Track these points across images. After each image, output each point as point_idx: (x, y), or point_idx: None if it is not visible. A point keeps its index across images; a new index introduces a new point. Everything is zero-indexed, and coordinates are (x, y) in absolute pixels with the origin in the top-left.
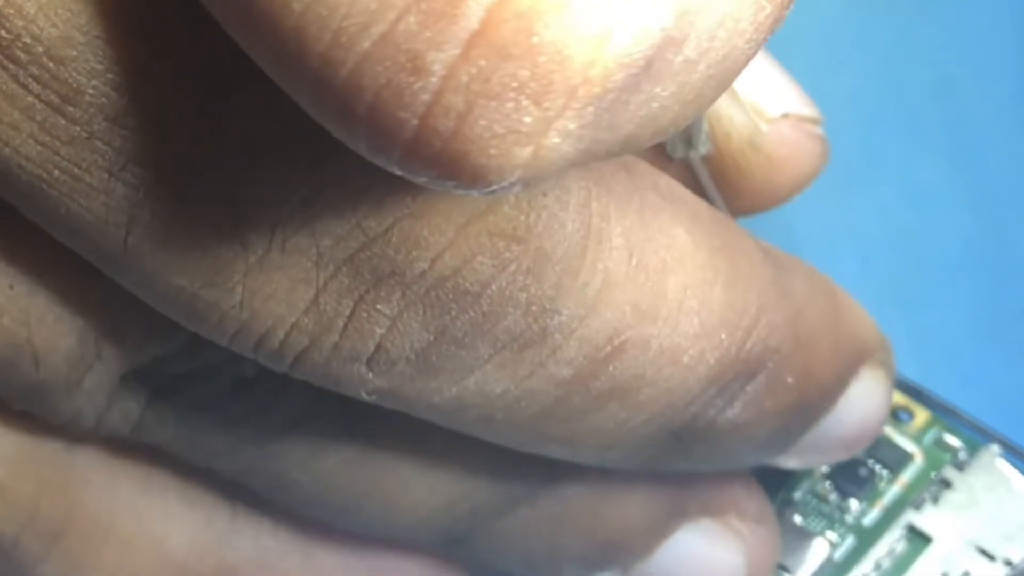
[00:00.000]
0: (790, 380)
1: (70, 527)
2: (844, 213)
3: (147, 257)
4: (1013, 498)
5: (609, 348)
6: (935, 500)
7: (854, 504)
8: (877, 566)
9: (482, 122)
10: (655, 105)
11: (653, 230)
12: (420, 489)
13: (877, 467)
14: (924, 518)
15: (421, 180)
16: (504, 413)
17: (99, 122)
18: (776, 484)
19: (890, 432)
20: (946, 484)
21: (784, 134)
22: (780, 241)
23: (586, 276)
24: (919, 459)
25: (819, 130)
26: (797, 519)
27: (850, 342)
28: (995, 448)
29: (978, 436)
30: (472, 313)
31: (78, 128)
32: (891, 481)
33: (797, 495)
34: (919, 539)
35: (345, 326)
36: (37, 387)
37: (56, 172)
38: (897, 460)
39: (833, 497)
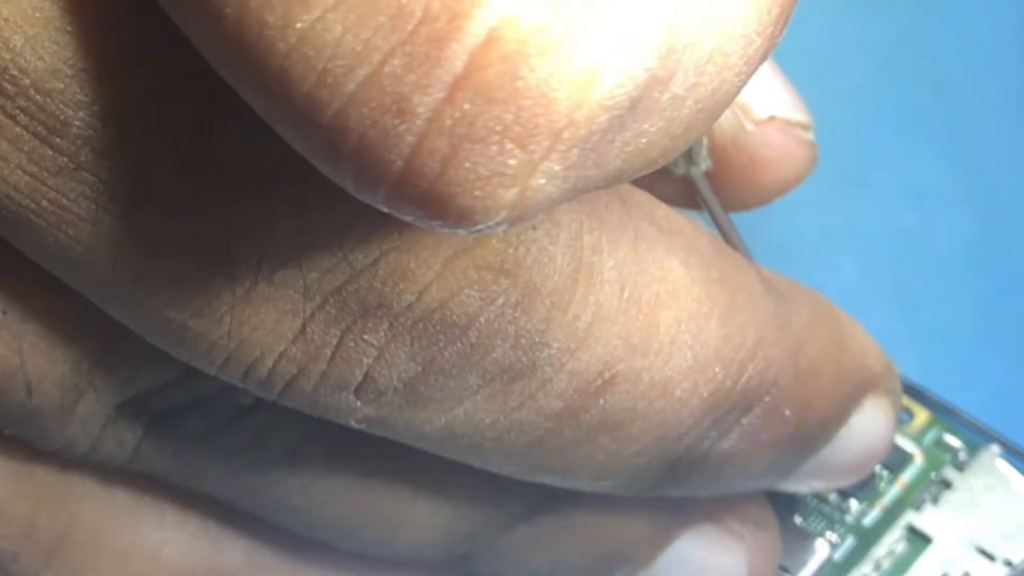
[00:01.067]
0: (788, 413)
1: (68, 541)
2: (844, 213)
3: (134, 288)
4: (1013, 498)
5: (599, 381)
6: (935, 500)
7: (854, 504)
8: (877, 566)
9: (467, 164)
10: (643, 141)
11: (647, 263)
12: (419, 512)
13: (877, 467)
14: (924, 518)
15: (408, 218)
16: (494, 443)
17: (86, 153)
18: None
19: None
20: (946, 484)
21: (769, 137)
22: (780, 241)
23: (576, 309)
24: (919, 459)
25: (808, 135)
26: (797, 519)
27: (853, 373)
28: (995, 448)
29: (978, 436)
30: (460, 345)
31: (65, 159)
32: (891, 481)
33: (797, 495)
34: (919, 539)
35: (333, 356)
36: (30, 414)
37: (44, 202)
38: (897, 460)
39: (833, 497)
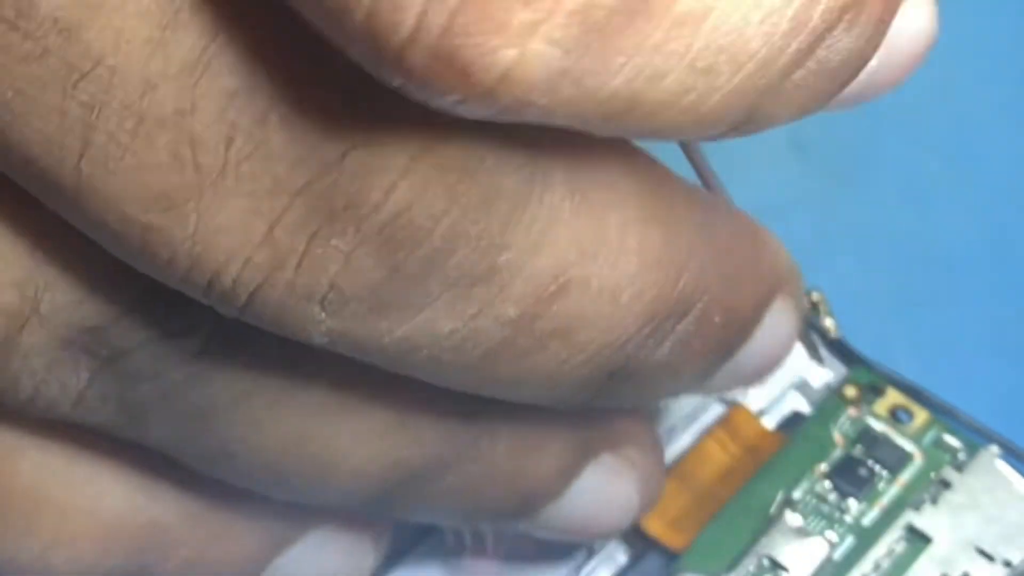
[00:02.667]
0: (717, 319)
1: (6, 502)
2: (843, 213)
3: (100, 184)
4: (1012, 499)
5: (553, 287)
6: (934, 501)
7: (853, 504)
8: (876, 566)
9: (472, 17)
10: (651, 62)
11: (594, 168)
12: (354, 460)
13: (877, 467)
14: (923, 518)
15: (408, 84)
16: (452, 354)
17: (53, 37)
18: (776, 483)
19: (890, 432)
20: (945, 485)
21: None
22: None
23: (533, 211)
24: (919, 459)
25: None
26: (796, 519)
27: (767, 276)
28: (994, 449)
29: (977, 437)
30: (425, 249)
31: (30, 43)
32: (891, 481)
33: (797, 495)
34: (918, 539)
35: (299, 262)
36: None
37: (10, 93)
38: (897, 460)
39: (832, 497)
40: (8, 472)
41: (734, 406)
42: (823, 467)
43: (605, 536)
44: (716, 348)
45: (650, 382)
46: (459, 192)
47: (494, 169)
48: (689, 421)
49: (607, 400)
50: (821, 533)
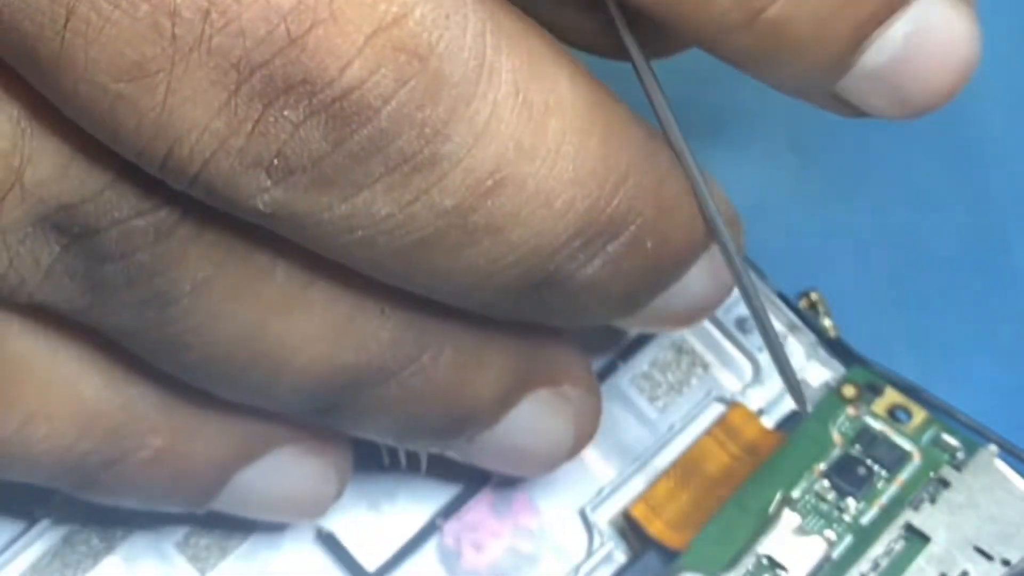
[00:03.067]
0: (649, 245)
1: None
2: (841, 212)
3: (78, 53)
4: (1011, 498)
5: (490, 182)
6: (933, 500)
7: (852, 503)
8: (875, 565)
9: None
10: None
11: (539, 73)
12: (304, 358)
13: (875, 466)
14: (922, 517)
15: None
16: (387, 239)
17: None
18: (774, 483)
19: (888, 432)
20: (944, 484)
21: None
22: (779, 240)
23: (477, 105)
24: (917, 458)
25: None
26: (795, 518)
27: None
28: (993, 448)
29: (976, 436)
30: (370, 128)
31: None
32: (889, 480)
33: (795, 494)
34: (917, 538)
35: (252, 130)
36: None
37: None
38: (895, 459)
39: (831, 496)
40: None
41: (733, 405)
42: (822, 466)
43: (537, 471)
44: (646, 276)
45: (577, 299)
46: (408, 74)
47: (444, 56)
48: (688, 420)
49: (533, 311)
50: (820, 532)
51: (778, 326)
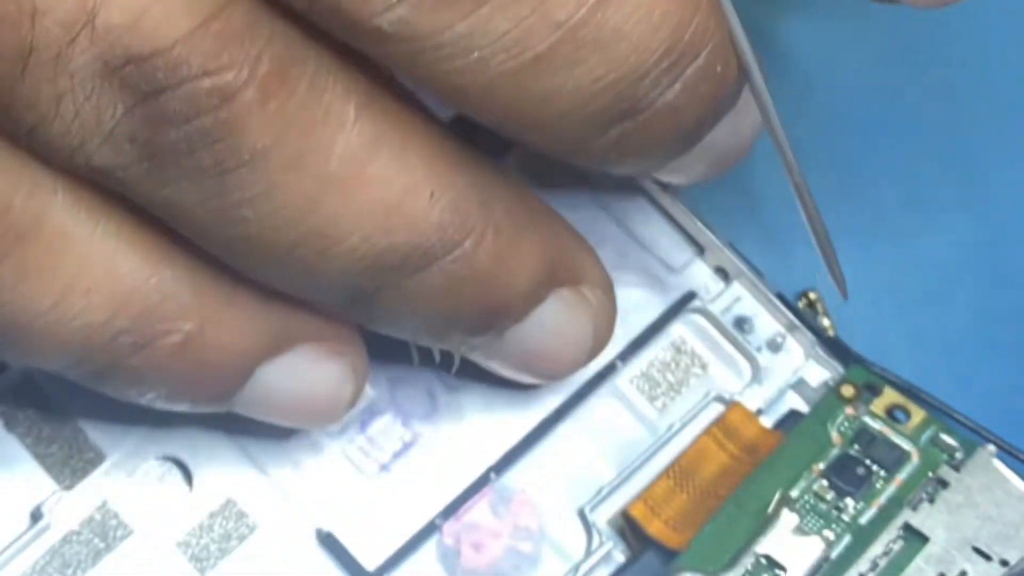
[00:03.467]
0: (719, 69)
1: (37, 230)
2: (841, 214)
3: None
4: (1009, 498)
5: None
6: (931, 500)
7: (851, 503)
8: (873, 565)
9: None
10: None
11: None
12: (355, 238)
13: (874, 466)
14: (920, 517)
15: None
16: (502, 58)
17: None
18: (773, 482)
19: (887, 432)
20: (943, 484)
21: None
22: (777, 241)
23: None
24: (915, 458)
25: None
26: (793, 518)
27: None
28: (991, 448)
29: (974, 436)
30: None
31: None
32: (888, 480)
33: (794, 494)
34: (915, 538)
35: None
36: (26, 50)
37: None
38: (894, 459)
39: (830, 496)
40: (38, 208)
41: (732, 405)
42: (820, 466)
43: (556, 373)
44: (714, 101)
45: (656, 130)
46: None
47: None
48: (687, 420)
49: (611, 150)
50: (818, 532)
51: (777, 326)
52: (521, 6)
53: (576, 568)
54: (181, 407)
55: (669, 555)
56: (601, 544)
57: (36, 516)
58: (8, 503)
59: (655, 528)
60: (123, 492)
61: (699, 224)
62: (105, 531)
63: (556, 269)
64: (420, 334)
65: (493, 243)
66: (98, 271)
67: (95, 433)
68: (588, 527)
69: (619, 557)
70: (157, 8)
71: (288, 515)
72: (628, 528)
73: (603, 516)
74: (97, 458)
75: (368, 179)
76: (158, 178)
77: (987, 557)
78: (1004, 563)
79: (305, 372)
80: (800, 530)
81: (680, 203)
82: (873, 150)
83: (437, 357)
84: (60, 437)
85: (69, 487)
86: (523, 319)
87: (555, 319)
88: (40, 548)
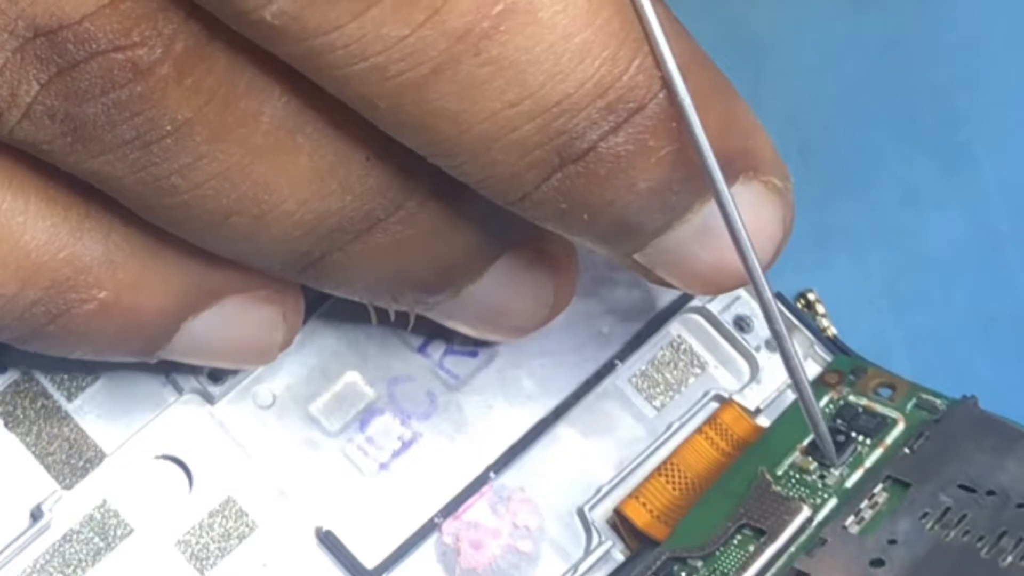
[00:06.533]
0: (675, 126)
1: None
2: (840, 213)
3: None
4: (988, 437)
5: (501, 6)
6: (912, 449)
7: (835, 471)
8: (859, 519)
9: None
10: None
11: None
12: (289, 203)
13: (858, 436)
14: (902, 467)
15: None
16: (398, 67)
17: None
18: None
19: (872, 405)
20: (924, 436)
21: None
22: None
23: None
24: (901, 424)
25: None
26: (777, 489)
27: (739, 136)
28: (975, 399)
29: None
30: None
31: None
32: (873, 446)
33: (779, 472)
34: (898, 486)
35: None
36: None
37: None
38: (876, 426)
39: (813, 467)
40: None
41: (724, 403)
42: (803, 444)
43: (518, 332)
44: (676, 165)
45: (604, 182)
46: None
47: None
48: (686, 419)
49: (558, 197)
50: (802, 499)
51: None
52: (414, 12)
53: (575, 567)
54: (111, 359)
55: None
56: (600, 543)
57: (36, 515)
58: (8, 502)
59: (646, 524)
60: (123, 491)
61: None
62: (105, 530)
63: (509, 228)
64: (374, 295)
65: (437, 203)
66: (5, 244)
67: (95, 432)
68: (587, 526)
69: (618, 556)
70: None
71: (288, 514)
72: (621, 525)
73: (602, 515)
74: (97, 457)
75: (298, 147)
76: (84, 151)
77: (971, 490)
78: (990, 493)
79: (232, 322)
80: (782, 497)
81: None
82: (871, 149)
83: (392, 316)
84: (60, 436)
85: (69, 486)
86: (478, 277)
87: (513, 275)
88: (40, 547)
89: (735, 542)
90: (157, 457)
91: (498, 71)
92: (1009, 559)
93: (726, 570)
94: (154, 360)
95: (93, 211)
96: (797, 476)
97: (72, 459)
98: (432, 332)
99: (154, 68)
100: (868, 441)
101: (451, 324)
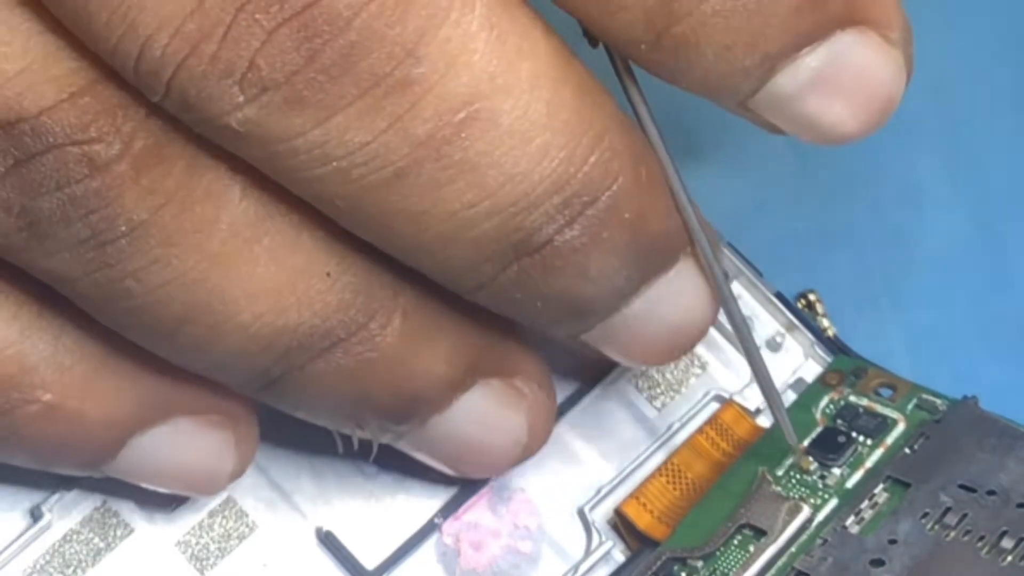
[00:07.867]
0: (627, 215)
1: None
2: (840, 213)
3: None
4: (990, 437)
5: (463, 114)
6: (913, 448)
7: (836, 471)
8: (859, 519)
9: None
10: None
11: (514, 16)
12: (246, 315)
13: (859, 436)
14: (903, 467)
15: None
16: (361, 171)
17: None
18: (758, 464)
19: (872, 406)
20: (925, 436)
21: None
22: (774, 239)
23: (448, 31)
24: (902, 424)
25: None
26: (777, 489)
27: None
28: (975, 399)
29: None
30: (341, 41)
31: None
32: (874, 447)
33: (779, 472)
34: (899, 486)
35: (224, 34)
36: None
37: None
38: (877, 426)
39: (814, 467)
40: None
41: (725, 403)
42: (804, 445)
43: (490, 469)
44: (625, 253)
45: (559, 272)
46: None
47: None
48: (686, 420)
49: (515, 287)
50: (803, 499)
51: (776, 326)
52: (378, 119)
53: (575, 567)
54: (55, 469)
55: None
56: (600, 543)
57: (36, 515)
58: (8, 502)
59: (647, 524)
60: (123, 491)
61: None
62: (105, 530)
63: (482, 358)
64: (335, 419)
65: (403, 326)
66: None
67: None
68: (587, 526)
69: (618, 556)
70: (22, 79)
71: (288, 515)
72: (622, 525)
73: (602, 515)
74: None
75: (256, 257)
76: (39, 248)
77: (971, 491)
78: (991, 493)
79: (182, 443)
80: (783, 498)
81: None
82: (872, 149)
83: (355, 444)
84: None
85: (69, 486)
86: (445, 408)
87: (483, 410)
88: (40, 547)
89: (735, 542)
90: None
91: (459, 174)
92: (1009, 559)
93: (726, 570)
94: (99, 475)
95: (46, 311)
96: (797, 476)
97: None
98: None
99: (111, 165)
100: (869, 441)
101: (420, 457)
